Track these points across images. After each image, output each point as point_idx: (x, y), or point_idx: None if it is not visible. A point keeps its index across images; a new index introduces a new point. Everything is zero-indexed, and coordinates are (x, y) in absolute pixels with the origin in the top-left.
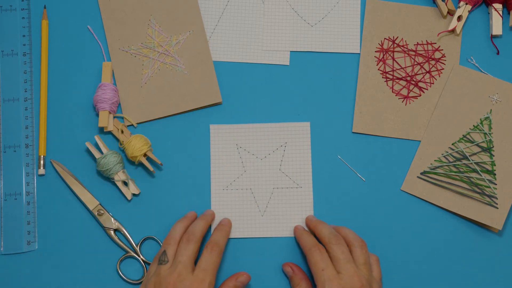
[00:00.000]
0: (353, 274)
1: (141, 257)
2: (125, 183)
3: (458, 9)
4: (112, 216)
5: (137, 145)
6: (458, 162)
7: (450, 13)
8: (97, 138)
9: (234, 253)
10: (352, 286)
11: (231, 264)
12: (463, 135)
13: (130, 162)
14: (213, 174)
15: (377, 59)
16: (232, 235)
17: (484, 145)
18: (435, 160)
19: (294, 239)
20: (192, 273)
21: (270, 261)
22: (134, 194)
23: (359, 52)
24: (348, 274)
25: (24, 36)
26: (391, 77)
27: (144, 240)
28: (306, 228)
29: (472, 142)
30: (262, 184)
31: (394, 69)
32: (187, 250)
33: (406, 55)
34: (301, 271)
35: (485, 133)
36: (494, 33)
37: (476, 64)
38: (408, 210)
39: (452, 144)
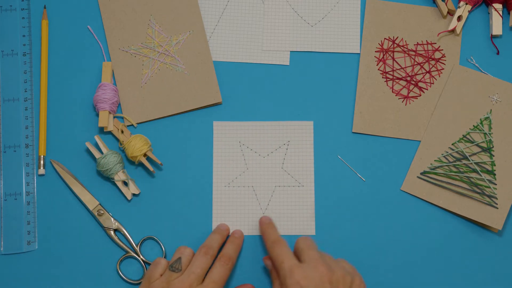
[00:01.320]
0: (317, 260)
1: (141, 257)
2: (125, 183)
3: (458, 9)
4: (112, 216)
5: (137, 145)
6: (458, 162)
7: (450, 13)
8: (97, 138)
9: None
10: (317, 271)
11: None
12: (463, 135)
13: (130, 162)
14: (215, 171)
15: (377, 59)
16: None
17: (484, 145)
18: (435, 160)
19: (295, 237)
20: (202, 284)
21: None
22: (134, 194)
23: (359, 52)
24: (311, 260)
25: (24, 36)
26: (391, 77)
27: (144, 240)
28: (271, 220)
29: (472, 142)
30: (264, 182)
31: (394, 69)
32: (202, 262)
33: (406, 55)
34: None
35: (485, 133)
36: (494, 33)
37: (476, 64)
38: (408, 210)
39: (452, 144)
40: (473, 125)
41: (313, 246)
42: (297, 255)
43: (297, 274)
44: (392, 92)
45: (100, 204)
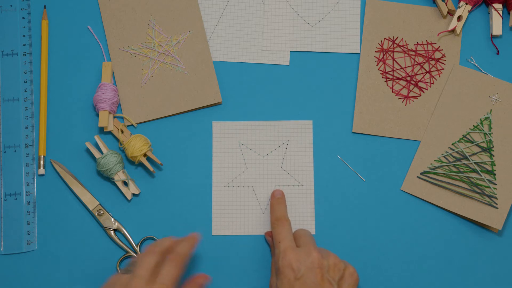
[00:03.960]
0: (312, 246)
1: None
2: (125, 183)
3: (458, 9)
4: (112, 216)
5: (137, 145)
6: (458, 162)
7: (450, 13)
8: (97, 138)
9: (235, 250)
10: (309, 256)
11: (232, 261)
12: (463, 135)
13: (130, 162)
14: (215, 171)
15: (377, 59)
16: (233, 232)
17: (484, 145)
18: (435, 160)
19: None
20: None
21: (270, 258)
22: (134, 194)
23: (359, 52)
24: (306, 246)
25: (24, 36)
26: (391, 77)
27: (144, 240)
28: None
29: (472, 142)
30: (264, 181)
31: (394, 69)
32: (148, 262)
33: (406, 55)
34: None
35: (485, 133)
36: (494, 33)
37: (476, 64)
38: (408, 210)
39: (452, 144)
40: (473, 125)
41: (311, 236)
42: (295, 240)
43: (290, 256)
44: (392, 92)
45: (100, 204)
